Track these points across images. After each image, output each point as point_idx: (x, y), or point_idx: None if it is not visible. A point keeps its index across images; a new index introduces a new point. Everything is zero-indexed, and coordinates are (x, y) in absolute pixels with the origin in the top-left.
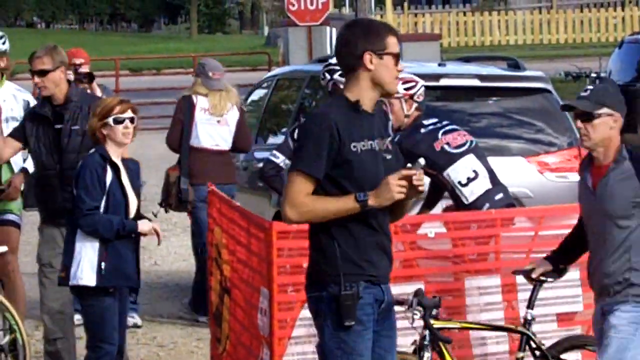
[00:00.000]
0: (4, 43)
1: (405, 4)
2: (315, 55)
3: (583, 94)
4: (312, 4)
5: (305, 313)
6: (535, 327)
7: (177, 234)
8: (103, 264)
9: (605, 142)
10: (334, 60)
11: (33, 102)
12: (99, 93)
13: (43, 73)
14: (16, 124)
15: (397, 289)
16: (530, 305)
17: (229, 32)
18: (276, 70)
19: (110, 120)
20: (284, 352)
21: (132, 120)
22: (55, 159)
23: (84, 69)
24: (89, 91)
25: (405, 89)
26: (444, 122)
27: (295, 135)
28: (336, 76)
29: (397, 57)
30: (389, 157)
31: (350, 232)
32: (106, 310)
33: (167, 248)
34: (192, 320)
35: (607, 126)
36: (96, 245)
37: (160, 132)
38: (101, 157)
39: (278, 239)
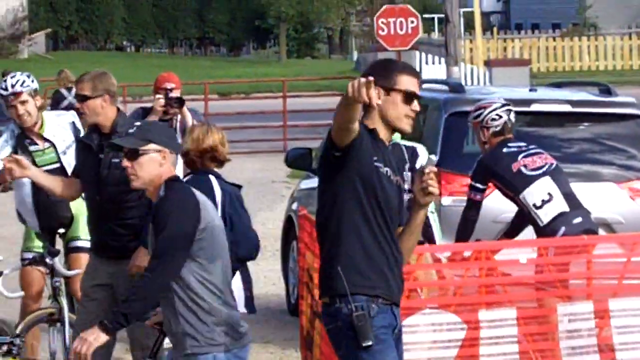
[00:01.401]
0: (32, 81)
1: (495, 30)
2: None
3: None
4: (401, 29)
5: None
6: None
7: (266, 258)
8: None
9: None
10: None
11: (76, 120)
12: (189, 118)
13: (83, 99)
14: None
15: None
16: None
17: (317, 57)
18: None
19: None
20: None
21: None
22: (96, 191)
23: (175, 94)
24: (178, 116)
25: (474, 118)
26: (530, 146)
27: None
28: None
29: (408, 95)
30: (400, 186)
31: (361, 240)
32: None
33: (256, 272)
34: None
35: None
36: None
37: (249, 155)
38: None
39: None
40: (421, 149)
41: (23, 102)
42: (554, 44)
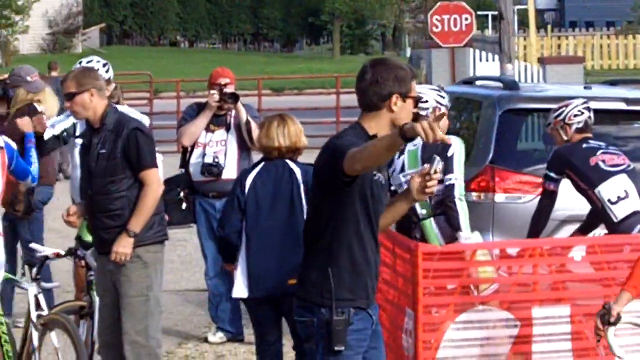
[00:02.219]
0: (107, 71)
1: (549, 27)
2: (458, 77)
3: None
4: (455, 26)
5: (450, 334)
6: None
7: None
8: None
9: None
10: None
11: (146, 120)
12: (243, 113)
13: (70, 97)
14: None
15: (544, 312)
16: None
17: (371, 53)
18: None
19: None
20: None
21: None
22: (88, 184)
23: (229, 89)
24: (232, 112)
25: (555, 117)
26: (610, 147)
27: None
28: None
29: (416, 100)
30: (385, 183)
31: (351, 255)
32: None
33: None
34: None
35: None
36: None
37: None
38: None
39: (424, 260)
40: (454, 139)
41: None
42: (608, 41)
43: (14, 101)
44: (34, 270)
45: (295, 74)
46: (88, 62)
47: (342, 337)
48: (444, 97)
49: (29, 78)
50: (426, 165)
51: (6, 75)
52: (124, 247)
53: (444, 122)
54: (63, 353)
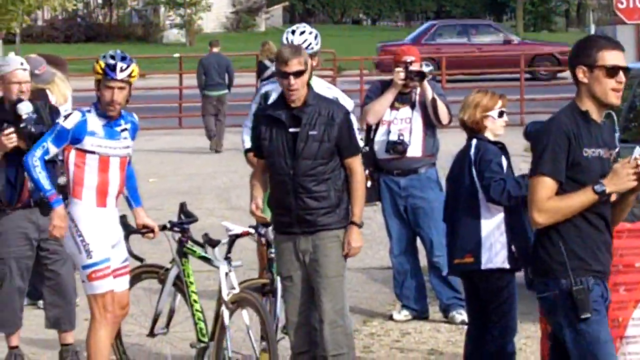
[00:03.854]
0: (317, 43)
1: None
2: None
3: None
4: None
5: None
6: None
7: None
8: (513, 246)
9: None
10: None
11: (342, 97)
12: (429, 91)
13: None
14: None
15: None
16: None
17: (554, 30)
18: None
19: (494, 113)
20: (616, 352)
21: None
22: (289, 164)
23: (415, 67)
24: (418, 90)
25: None
26: None
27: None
28: None
29: (611, 69)
30: (609, 160)
31: (577, 230)
32: (508, 289)
33: None
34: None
35: None
36: (502, 227)
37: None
38: (492, 143)
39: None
40: None
41: None
42: None
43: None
44: (216, 249)
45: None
46: (301, 32)
47: (585, 304)
48: None
49: (37, 71)
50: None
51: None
52: (358, 241)
53: None
54: (253, 331)
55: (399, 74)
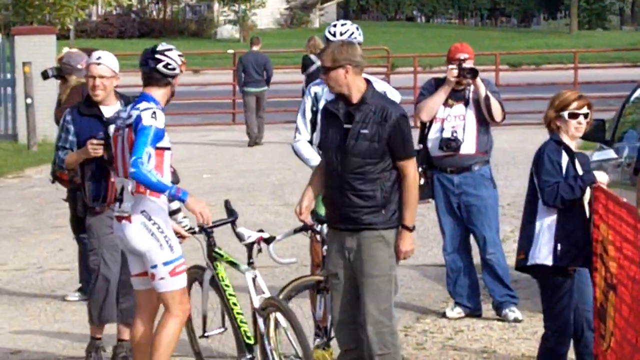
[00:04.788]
0: (360, 35)
1: None
2: None
3: None
4: None
5: None
6: None
7: None
8: (559, 245)
9: None
10: None
11: (390, 91)
12: (482, 89)
13: (324, 70)
14: None
15: None
16: None
17: (608, 28)
18: None
19: (565, 114)
20: None
21: (586, 116)
22: (338, 160)
23: (468, 64)
24: (471, 87)
25: None
26: None
27: None
28: None
29: None
30: None
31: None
32: (559, 290)
33: None
34: None
35: None
36: (553, 226)
37: (540, 127)
38: (556, 143)
39: None
40: None
41: None
42: None
43: (64, 88)
44: (271, 246)
45: (532, 49)
46: (342, 24)
47: None
48: None
49: (79, 66)
50: None
51: (63, 54)
52: (408, 245)
53: None
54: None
55: (452, 72)
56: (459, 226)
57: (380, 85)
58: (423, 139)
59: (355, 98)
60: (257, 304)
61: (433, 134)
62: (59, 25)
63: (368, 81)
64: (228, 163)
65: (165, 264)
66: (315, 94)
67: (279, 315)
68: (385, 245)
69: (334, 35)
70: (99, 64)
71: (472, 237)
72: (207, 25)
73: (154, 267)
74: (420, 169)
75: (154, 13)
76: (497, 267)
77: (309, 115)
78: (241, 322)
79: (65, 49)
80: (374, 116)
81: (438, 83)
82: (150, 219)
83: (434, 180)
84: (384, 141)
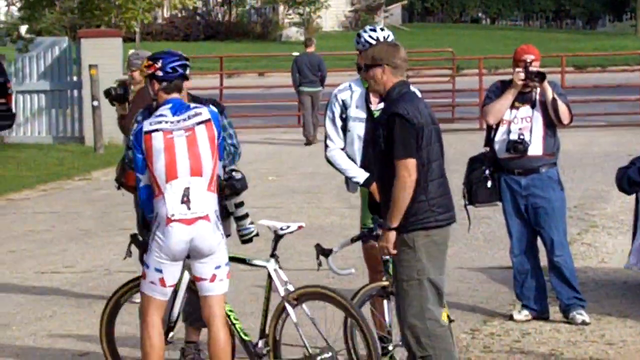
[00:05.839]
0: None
1: None
2: None
3: None
4: None
5: None
6: None
7: (623, 232)
8: None
9: None
10: None
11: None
12: (549, 92)
13: (365, 67)
14: None
15: None
16: None
17: None
18: None
19: None
20: None
21: None
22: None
23: (535, 67)
24: (537, 89)
25: None
26: None
27: None
28: None
29: None
30: None
31: None
32: None
33: (613, 245)
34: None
35: None
36: None
37: (605, 129)
38: None
39: None
40: None
41: None
42: None
43: (131, 82)
44: (330, 258)
45: (598, 51)
46: (382, 28)
47: None
48: None
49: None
50: None
51: (126, 76)
52: (382, 241)
53: None
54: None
55: (519, 75)
56: (527, 228)
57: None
58: (489, 141)
59: (377, 96)
60: (283, 294)
61: (500, 136)
62: (125, 28)
63: (403, 84)
64: (293, 165)
65: (227, 264)
66: (343, 101)
67: (305, 307)
68: (410, 248)
69: (377, 40)
70: None
71: (539, 240)
72: (272, 27)
73: (218, 267)
74: (487, 172)
75: (219, 15)
76: (564, 270)
77: (339, 122)
78: (235, 319)
79: (132, 51)
80: (382, 116)
81: (504, 85)
82: (218, 218)
83: (501, 182)
84: (383, 141)
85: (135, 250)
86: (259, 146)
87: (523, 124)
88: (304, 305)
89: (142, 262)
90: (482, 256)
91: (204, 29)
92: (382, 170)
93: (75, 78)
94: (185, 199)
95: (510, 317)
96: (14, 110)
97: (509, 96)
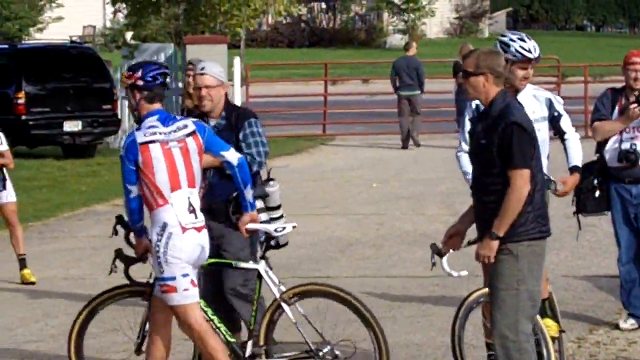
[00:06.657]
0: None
1: None
2: None
3: None
4: None
5: None
6: None
7: None
8: None
9: None
10: None
11: (556, 100)
12: None
13: (465, 74)
14: (543, 124)
15: None
16: None
17: None
18: None
19: None
20: None
21: None
22: (474, 173)
23: None
24: None
25: None
26: None
27: None
28: None
29: None
30: None
31: None
32: None
33: None
34: None
35: None
36: None
37: None
38: None
39: None
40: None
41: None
42: None
43: (187, 87)
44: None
45: None
46: (502, 36)
47: None
48: None
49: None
50: None
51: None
52: (484, 249)
53: None
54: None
55: (635, 111)
56: (636, 237)
57: (540, 92)
58: (600, 150)
59: (487, 107)
60: (277, 294)
61: (611, 145)
62: (230, 35)
63: (505, 93)
64: (397, 172)
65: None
66: (477, 105)
67: (299, 306)
68: (513, 258)
69: (529, 51)
70: (203, 74)
71: None
72: (377, 34)
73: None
74: (595, 182)
75: (324, 22)
76: None
77: (468, 126)
78: (218, 322)
79: (236, 58)
80: (492, 124)
81: (615, 94)
82: None
83: (612, 191)
84: (496, 149)
85: (120, 265)
86: (362, 153)
87: (634, 133)
88: (297, 304)
89: (127, 276)
90: (588, 264)
91: (308, 36)
92: (480, 178)
93: (180, 84)
94: (191, 208)
95: (617, 326)
96: (119, 116)
97: (620, 124)
